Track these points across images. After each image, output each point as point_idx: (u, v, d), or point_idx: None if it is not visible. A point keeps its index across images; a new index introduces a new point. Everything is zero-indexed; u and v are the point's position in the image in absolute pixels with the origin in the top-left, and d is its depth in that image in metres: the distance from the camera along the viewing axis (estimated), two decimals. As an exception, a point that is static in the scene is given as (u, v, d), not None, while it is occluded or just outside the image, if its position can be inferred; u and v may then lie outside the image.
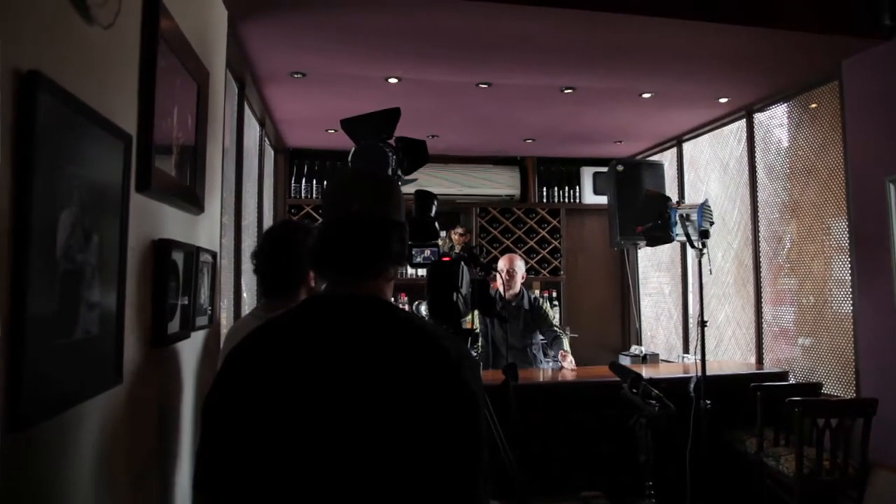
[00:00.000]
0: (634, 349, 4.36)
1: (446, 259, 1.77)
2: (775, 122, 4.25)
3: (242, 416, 1.11)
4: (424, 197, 1.89)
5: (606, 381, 3.33)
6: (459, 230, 5.73)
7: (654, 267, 5.84)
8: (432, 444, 1.06)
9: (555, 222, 5.98)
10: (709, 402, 3.12)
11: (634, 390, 2.30)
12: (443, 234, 5.85)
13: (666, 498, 2.44)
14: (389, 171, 1.85)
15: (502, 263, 4.11)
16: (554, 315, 4.20)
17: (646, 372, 3.76)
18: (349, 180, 1.29)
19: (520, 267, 4.11)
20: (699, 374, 3.17)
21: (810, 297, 3.82)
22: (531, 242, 5.94)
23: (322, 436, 1.08)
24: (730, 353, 4.59)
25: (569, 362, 3.84)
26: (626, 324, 6.08)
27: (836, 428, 2.97)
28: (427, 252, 1.86)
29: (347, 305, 1.19)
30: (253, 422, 1.10)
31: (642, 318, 5.92)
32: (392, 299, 1.29)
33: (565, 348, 3.92)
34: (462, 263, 1.79)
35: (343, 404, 1.08)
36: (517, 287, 4.08)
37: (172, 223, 1.83)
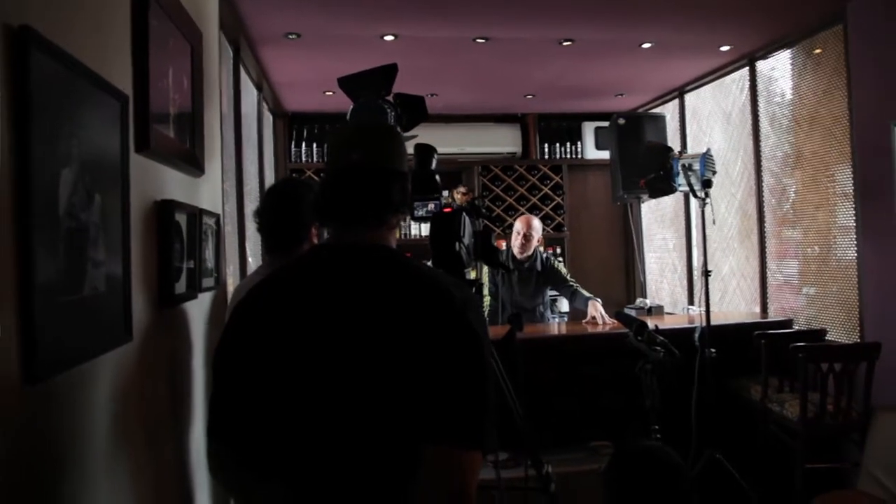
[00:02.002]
0: (639, 302, 4.38)
1: (447, 210, 1.78)
2: (778, 69, 4.19)
3: (252, 364, 1.13)
4: (423, 150, 1.89)
5: (614, 334, 3.36)
6: (462, 189, 5.72)
7: (658, 221, 5.83)
8: (438, 385, 1.08)
9: (557, 179, 5.97)
10: (714, 350, 3.15)
11: (640, 337, 2.33)
12: (445, 193, 5.85)
13: (672, 443, 2.49)
14: (389, 126, 1.85)
15: (519, 225, 4.05)
16: (566, 271, 4.20)
17: (651, 322, 3.79)
18: (350, 132, 1.30)
19: (537, 230, 4.05)
20: (704, 323, 3.19)
21: (815, 246, 3.82)
22: (534, 199, 5.93)
23: (329, 378, 1.10)
24: (734, 305, 4.61)
25: (599, 314, 3.73)
26: (630, 278, 6.10)
27: (839, 372, 3.00)
28: (430, 205, 1.87)
29: (351, 253, 1.20)
30: (262, 368, 1.12)
31: (647, 272, 5.93)
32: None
33: (588, 295, 3.88)
34: (464, 214, 1.79)
35: (349, 347, 1.11)
36: (531, 249, 4.04)
37: (174, 185, 1.83)
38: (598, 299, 3.87)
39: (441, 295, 1.13)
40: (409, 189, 1.28)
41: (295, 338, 1.13)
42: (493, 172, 5.92)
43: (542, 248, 4.41)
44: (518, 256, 4.03)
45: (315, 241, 1.99)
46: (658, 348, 2.26)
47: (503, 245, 4.19)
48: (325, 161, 5.90)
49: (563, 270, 4.12)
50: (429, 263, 1.62)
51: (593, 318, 3.76)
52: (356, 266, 1.18)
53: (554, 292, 4.29)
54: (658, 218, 5.83)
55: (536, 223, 4.08)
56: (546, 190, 5.96)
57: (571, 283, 4.03)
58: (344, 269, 1.18)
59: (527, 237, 4.00)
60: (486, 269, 3.94)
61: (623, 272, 6.15)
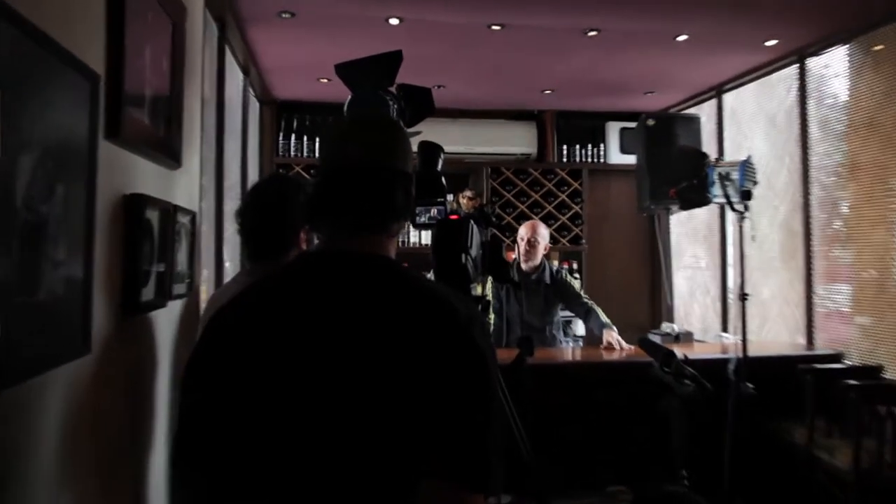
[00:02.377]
0: (666, 327, 4.38)
1: (454, 217, 1.79)
2: (832, 67, 4.20)
3: (228, 385, 1.12)
4: (429, 149, 1.90)
5: (636, 363, 3.37)
6: (468, 193, 5.74)
7: (689, 236, 5.84)
8: (438, 412, 1.07)
9: (576, 185, 6.00)
10: (751, 385, 3.14)
11: (666, 368, 2.32)
12: (450, 197, 5.87)
13: (701, 490, 2.46)
14: (390, 120, 1.86)
15: (523, 231, 4.12)
16: (580, 286, 4.22)
17: (679, 351, 3.78)
18: (347, 126, 1.31)
19: (543, 236, 4.11)
20: (740, 354, 3.18)
21: (870, 269, 3.81)
22: (549, 207, 5.96)
23: (317, 402, 1.09)
24: (775, 334, 4.60)
25: (616, 340, 3.79)
26: (656, 300, 6.12)
27: (898, 416, 2.98)
28: (434, 211, 1.87)
29: (345, 262, 1.21)
30: (240, 390, 1.12)
31: (675, 293, 5.93)
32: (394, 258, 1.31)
33: (604, 320, 3.91)
34: (471, 222, 1.80)
35: (340, 368, 1.10)
36: (538, 259, 4.09)
37: (147, 177, 1.84)
38: (614, 328, 3.88)
39: (443, 310, 1.14)
40: (413, 192, 1.29)
41: (279, 357, 1.12)
42: (504, 175, 5.95)
43: (555, 263, 4.44)
44: (523, 267, 4.06)
45: (304, 247, 2.00)
46: (687, 381, 2.25)
47: (512, 257, 4.21)
48: (317, 157, 5.96)
49: (577, 286, 4.15)
50: (430, 276, 1.63)
51: (609, 343, 3.78)
52: (350, 277, 1.18)
53: (568, 313, 4.30)
54: (689, 232, 5.83)
55: (543, 229, 4.14)
56: (563, 197, 5.99)
57: (586, 301, 4.06)
58: (336, 281, 1.18)
59: (531, 244, 4.06)
60: (489, 282, 3.97)
61: (648, 293, 6.16)
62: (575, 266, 5.92)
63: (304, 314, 1.15)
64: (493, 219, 2.00)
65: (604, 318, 3.94)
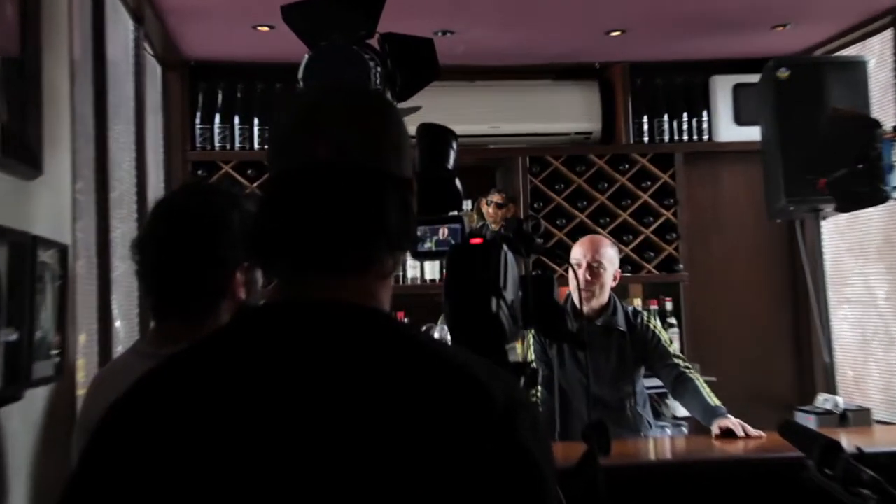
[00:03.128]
0: (823, 400, 4.36)
1: (476, 241, 1.79)
2: None
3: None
4: (434, 135, 1.92)
5: (774, 460, 3.37)
6: (496, 197, 5.78)
7: (855, 252, 5.83)
8: None
9: (665, 177, 6.02)
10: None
11: (827, 470, 2.30)
12: (468, 207, 5.94)
13: None
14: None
15: (579, 252, 4.17)
16: (671, 340, 4.23)
17: (848, 440, 3.74)
18: (308, 104, 1.35)
19: (610, 259, 4.17)
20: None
21: None
22: (624, 215, 5.97)
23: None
24: None
25: (736, 423, 3.79)
26: (803, 357, 6.12)
27: None
28: (444, 231, 1.89)
29: (314, 322, 1.22)
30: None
31: (835, 345, 5.88)
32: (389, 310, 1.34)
33: (709, 399, 3.92)
34: (504, 249, 1.81)
35: (318, 496, 1.11)
36: (605, 295, 4.14)
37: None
38: (728, 415, 3.88)
39: (471, 396, 1.15)
40: (414, 203, 1.32)
41: (218, 492, 1.13)
42: (550, 167, 5.97)
43: (637, 302, 4.44)
44: (584, 310, 4.10)
45: (241, 296, 2.04)
46: (865, 491, 2.24)
47: (569, 289, 4.26)
48: (259, 149, 5.90)
49: (665, 338, 4.19)
50: (436, 334, 1.64)
51: (727, 429, 3.78)
52: (325, 348, 1.19)
53: (656, 383, 4.33)
54: (854, 247, 5.81)
55: (609, 248, 4.21)
56: (645, 197, 6.00)
57: (677, 363, 4.10)
58: (303, 356, 1.19)
59: (594, 271, 4.13)
60: (529, 337, 4.01)
61: (789, 346, 6.16)
62: (669, 306, 5.94)
63: (255, 418, 1.15)
64: (538, 238, 2.02)
65: (707, 394, 3.97)
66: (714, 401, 3.93)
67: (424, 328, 4.95)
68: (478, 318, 1.72)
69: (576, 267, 4.13)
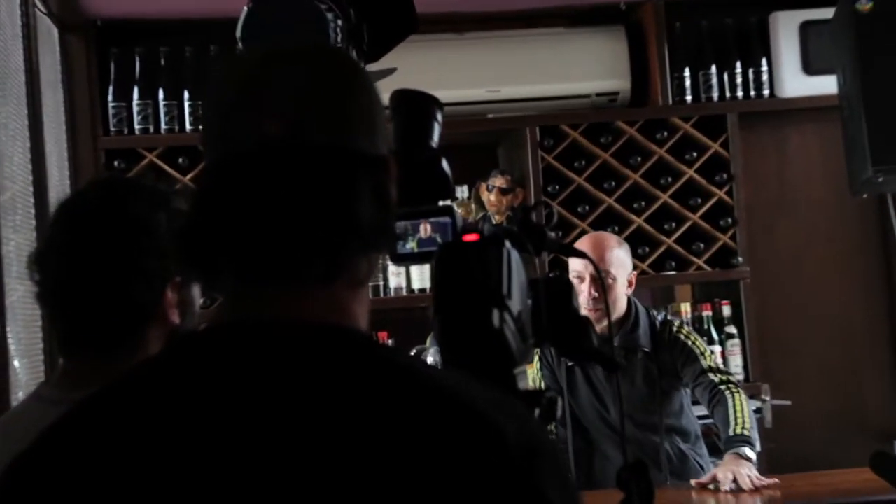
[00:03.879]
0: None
1: (471, 238, 1.80)
2: None
3: None
4: (415, 105, 1.93)
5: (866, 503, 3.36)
6: (499, 181, 5.75)
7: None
8: None
9: (715, 146, 6.03)
10: None
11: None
12: (463, 192, 5.95)
13: None
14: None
15: (577, 261, 4.24)
16: (710, 351, 4.29)
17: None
18: (253, 72, 1.35)
19: (619, 264, 4.28)
20: None
21: None
22: (664, 197, 6.01)
23: None
24: None
25: (745, 475, 3.84)
26: (901, 369, 6.13)
27: None
28: (428, 228, 1.90)
29: (274, 348, 1.23)
30: None
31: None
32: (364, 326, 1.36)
33: (734, 429, 3.96)
34: (507, 246, 1.82)
35: None
36: (621, 303, 4.25)
37: None
38: (752, 447, 3.94)
39: (479, 436, 1.15)
40: (394, 191, 1.34)
41: None
42: (567, 140, 5.98)
43: (686, 310, 4.46)
44: (597, 328, 4.09)
45: (174, 318, 2.04)
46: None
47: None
48: (198, 135, 5.81)
49: (701, 349, 4.28)
50: (429, 358, 1.64)
51: (715, 481, 3.89)
52: (290, 382, 1.19)
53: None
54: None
55: (616, 251, 4.33)
56: (690, 173, 6.03)
57: (711, 378, 4.17)
58: (262, 394, 1.18)
59: (598, 283, 4.15)
60: (536, 359, 4.03)
61: (884, 354, 6.17)
62: (727, 312, 5.94)
63: (196, 481, 1.15)
64: (550, 232, 2.02)
65: (734, 416, 4.01)
66: (737, 426, 3.96)
67: (414, 352, 4.95)
68: (476, 336, 1.71)
69: (576, 281, 4.15)
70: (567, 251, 2.08)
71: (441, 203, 1.94)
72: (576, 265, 4.24)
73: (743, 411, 4.01)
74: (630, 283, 4.31)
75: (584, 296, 4.12)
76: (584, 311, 3.93)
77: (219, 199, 1.27)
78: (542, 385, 4.14)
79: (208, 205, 1.28)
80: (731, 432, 3.97)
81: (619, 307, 4.25)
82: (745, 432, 3.96)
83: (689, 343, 4.26)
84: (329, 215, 1.26)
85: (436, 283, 1.79)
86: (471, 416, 1.16)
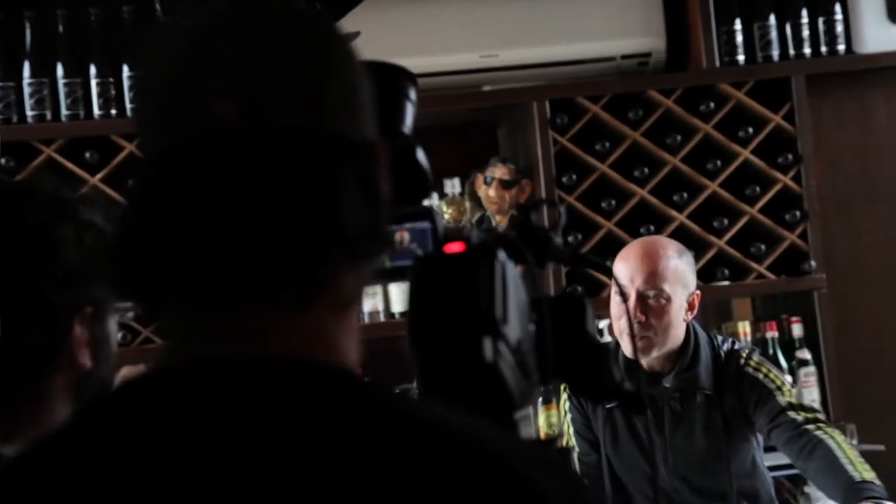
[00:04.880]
0: None
1: (455, 248, 1.85)
2: None
3: None
4: (382, 80, 1.96)
5: None
6: (501, 171, 5.75)
7: None
8: None
9: (777, 119, 6.08)
10: None
11: None
12: (454, 188, 5.88)
13: None
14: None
15: (624, 268, 4.29)
16: (789, 384, 4.35)
17: None
18: (195, 38, 1.35)
19: (677, 279, 4.33)
20: None
21: None
22: (712, 186, 6.06)
23: None
24: None
25: None
26: None
27: None
28: (401, 237, 1.92)
29: (239, 397, 1.23)
30: None
31: None
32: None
33: (859, 474, 4.01)
34: (501, 258, 1.84)
35: None
36: (677, 331, 4.28)
37: None
38: (875, 486, 3.94)
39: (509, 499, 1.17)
40: (385, 186, 1.34)
41: None
42: (586, 116, 6.01)
43: (744, 333, 4.46)
44: (641, 360, 4.24)
45: (86, 362, 2.03)
46: None
47: (616, 322, 4.24)
48: (111, 121, 5.87)
49: (779, 382, 4.34)
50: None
51: None
52: (266, 444, 1.19)
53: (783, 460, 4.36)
54: None
55: (672, 263, 4.36)
56: (746, 154, 6.08)
57: (795, 417, 4.19)
58: (226, 463, 1.19)
59: (650, 305, 4.24)
60: (564, 400, 4.01)
61: None
62: (797, 331, 5.96)
63: None
64: (557, 237, 2.04)
65: (848, 460, 4.03)
66: (859, 471, 3.98)
67: (403, 386, 4.97)
68: (463, 373, 1.74)
69: (613, 299, 4.27)
70: (581, 261, 2.10)
71: (419, 205, 1.95)
72: (621, 271, 4.24)
73: (854, 452, 4.05)
74: (692, 306, 4.31)
75: (626, 318, 4.11)
76: (625, 340, 3.97)
77: (159, 200, 1.26)
78: (571, 435, 4.15)
79: (146, 208, 1.27)
80: (854, 476, 3.96)
81: (675, 336, 4.25)
82: (875, 480, 3.97)
83: (762, 376, 4.29)
84: (302, 218, 1.25)
85: (411, 304, 1.81)
86: (504, 478, 1.16)
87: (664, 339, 4.21)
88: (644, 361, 4.09)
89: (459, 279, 1.79)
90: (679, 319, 4.25)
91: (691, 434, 4.21)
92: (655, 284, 4.18)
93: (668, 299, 4.21)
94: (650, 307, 4.16)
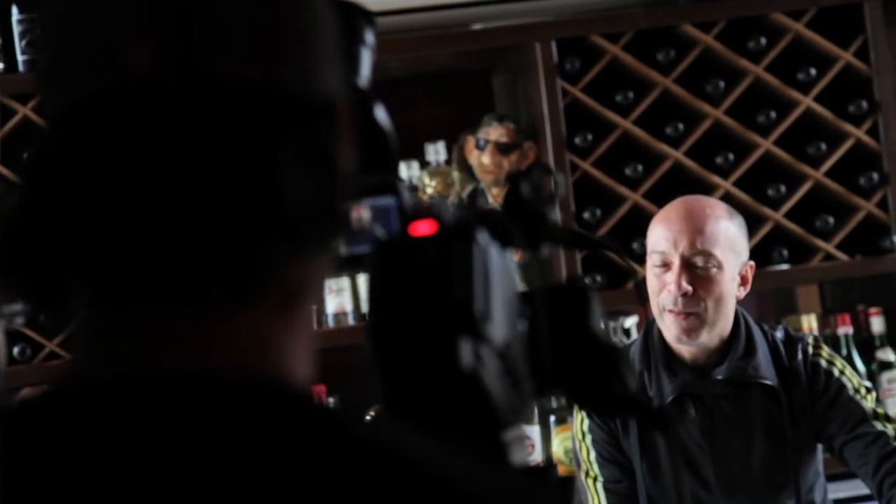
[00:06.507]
0: None
1: (424, 229, 1.85)
2: None
3: None
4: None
5: None
6: (497, 131, 5.74)
7: None
8: None
9: (847, 56, 6.12)
10: None
11: None
12: (439, 154, 5.89)
13: None
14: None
15: (661, 237, 4.36)
16: (868, 386, 4.41)
17: None
18: None
19: (728, 244, 4.34)
20: None
21: None
22: (766, 144, 6.11)
23: None
24: None
25: None
26: None
27: None
28: (359, 216, 1.93)
29: (160, 426, 1.22)
30: None
31: None
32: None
33: None
34: (479, 237, 1.85)
35: None
36: (727, 308, 4.29)
37: None
38: None
39: None
40: (346, 155, 1.36)
41: None
42: (602, 59, 6.05)
43: (810, 324, 4.47)
44: (679, 349, 4.30)
45: None
46: None
47: (655, 305, 4.24)
48: (21, 76, 6.02)
49: (855, 384, 4.37)
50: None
51: None
52: (191, 488, 1.19)
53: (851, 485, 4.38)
54: None
55: (722, 226, 4.38)
56: (808, 102, 6.10)
57: (883, 429, 4.23)
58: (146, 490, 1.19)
59: (696, 274, 4.27)
60: (582, 418, 3.98)
61: None
62: (877, 325, 5.98)
63: None
64: (550, 211, 2.03)
65: None
66: None
67: (371, 415, 4.99)
68: (436, 383, 1.75)
69: (658, 268, 4.23)
70: (583, 242, 2.10)
71: (382, 177, 1.93)
72: (657, 243, 4.29)
73: None
74: (745, 280, 4.35)
75: (669, 290, 4.18)
76: (667, 317, 3.95)
77: (61, 172, 1.26)
78: (592, 461, 4.14)
79: (45, 182, 1.27)
80: None
81: (726, 315, 4.27)
82: None
83: (836, 373, 4.29)
84: (234, 195, 1.24)
85: (371, 305, 1.84)
86: None
87: (716, 317, 4.22)
88: (687, 352, 4.07)
89: (429, 267, 1.80)
90: (731, 294, 4.28)
91: (749, 436, 4.22)
92: (704, 249, 4.18)
93: (720, 267, 4.23)
94: (698, 277, 4.18)
